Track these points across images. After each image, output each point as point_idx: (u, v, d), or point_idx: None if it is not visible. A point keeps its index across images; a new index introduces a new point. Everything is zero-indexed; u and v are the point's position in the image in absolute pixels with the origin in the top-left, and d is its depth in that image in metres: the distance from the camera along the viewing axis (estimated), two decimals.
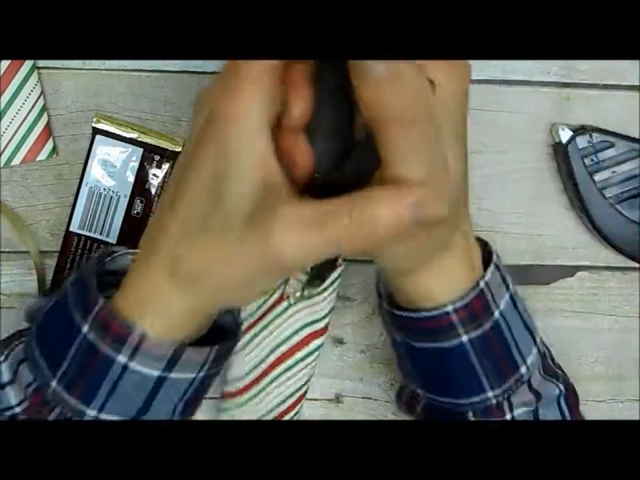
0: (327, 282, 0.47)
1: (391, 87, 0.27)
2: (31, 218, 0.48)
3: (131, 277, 0.34)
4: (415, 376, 0.41)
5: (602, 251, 0.51)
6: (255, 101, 0.28)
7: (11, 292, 0.48)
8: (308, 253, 0.29)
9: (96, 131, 0.47)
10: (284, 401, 0.49)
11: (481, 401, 0.38)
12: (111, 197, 0.47)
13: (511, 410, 0.39)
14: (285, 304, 0.47)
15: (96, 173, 0.47)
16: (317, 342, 0.48)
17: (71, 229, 0.48)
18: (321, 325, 0.48)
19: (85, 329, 0.33)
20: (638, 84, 0.49)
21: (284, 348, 0.48)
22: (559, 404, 0.41)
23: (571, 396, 0.41)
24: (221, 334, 0.37)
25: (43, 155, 0.47)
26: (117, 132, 0.47)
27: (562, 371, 0.43)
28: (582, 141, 0.48)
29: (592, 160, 0.48)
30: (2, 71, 0.46)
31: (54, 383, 0.35)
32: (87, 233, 0.48)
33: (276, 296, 0.47)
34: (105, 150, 0.47)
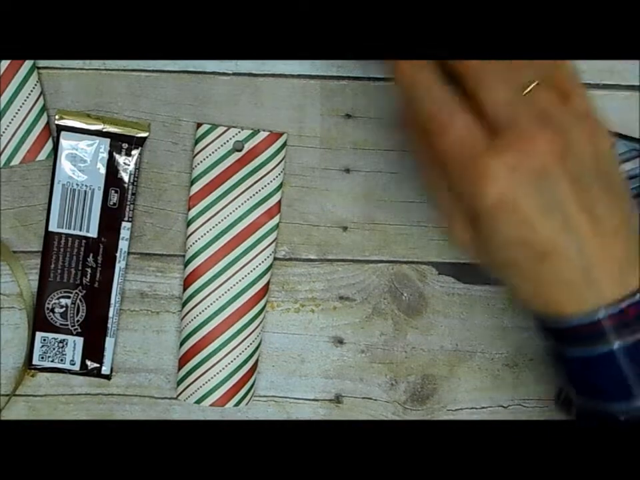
0: (272, 150, 0.46)
1: None
2: (31, 218, 0.48)
3: None
4: (567, 380, 0.42)
5: None
6: None
7: (10, 292, 0.48)
8: None
9: (60, 128, 0.47)
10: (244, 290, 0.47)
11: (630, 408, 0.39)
12: (85, 191, 0.47)
13: None
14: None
15: (66, 169, 0.47)
16: (271, 223, 0.46)
17: (50, 228, 0.47)
18: (274, 201, 0.47)
19: None
20: (638, 84, 0.49)
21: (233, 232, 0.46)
22: None
23: None
24: None
25: (42, 155, 0.47)
26: (82, 126, 0.47)
27: None
28: None
29: None
30: (2, 71, 0.46)
31: None
32: (67, 231, 0.47)
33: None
34: (72, 145, 0.47)
